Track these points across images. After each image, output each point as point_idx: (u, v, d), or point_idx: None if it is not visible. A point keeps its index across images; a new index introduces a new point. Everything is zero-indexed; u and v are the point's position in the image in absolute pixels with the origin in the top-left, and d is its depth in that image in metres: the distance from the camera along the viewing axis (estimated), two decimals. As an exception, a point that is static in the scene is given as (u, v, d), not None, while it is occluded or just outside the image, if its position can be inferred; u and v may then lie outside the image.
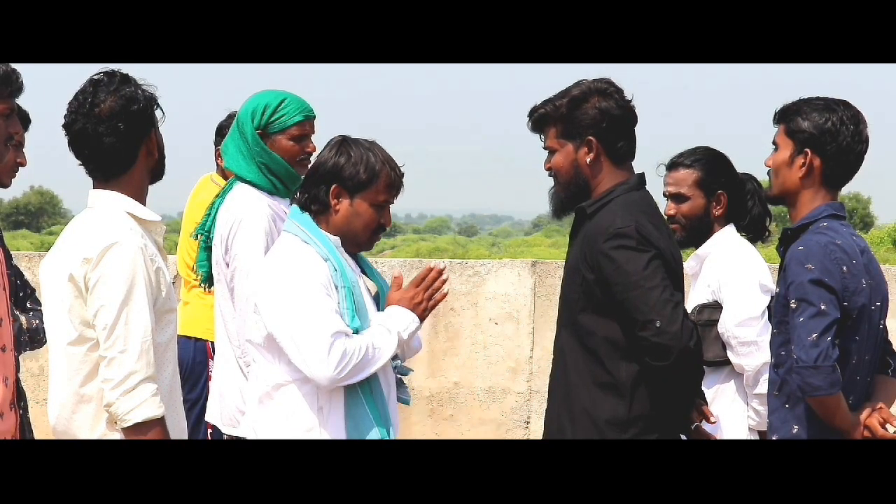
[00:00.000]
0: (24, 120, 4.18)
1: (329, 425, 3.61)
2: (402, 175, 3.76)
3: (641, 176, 3.71)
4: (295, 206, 3.78)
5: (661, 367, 3.49)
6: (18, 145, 4.11)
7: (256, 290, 3.68)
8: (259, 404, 3.69)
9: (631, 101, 3.68)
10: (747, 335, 4.21)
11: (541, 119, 3.68)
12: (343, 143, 3.72)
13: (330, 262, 3.64)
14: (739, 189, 4.46)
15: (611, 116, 3.63)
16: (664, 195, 4.49)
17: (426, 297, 3.72)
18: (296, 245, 3.67)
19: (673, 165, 4.48)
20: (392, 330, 3.65)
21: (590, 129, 3.62)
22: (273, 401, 3.65)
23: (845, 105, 3.64)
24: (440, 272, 3.73)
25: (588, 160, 3.63)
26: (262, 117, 4.30)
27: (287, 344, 3.57)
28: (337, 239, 3.71)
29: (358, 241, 3.76)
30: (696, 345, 3.51)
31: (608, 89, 3.65)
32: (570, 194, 3.67)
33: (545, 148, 3.72)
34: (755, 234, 4.53)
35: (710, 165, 4.44)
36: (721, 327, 4.26)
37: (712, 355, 4.27)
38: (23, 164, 4.19)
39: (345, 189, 3.68)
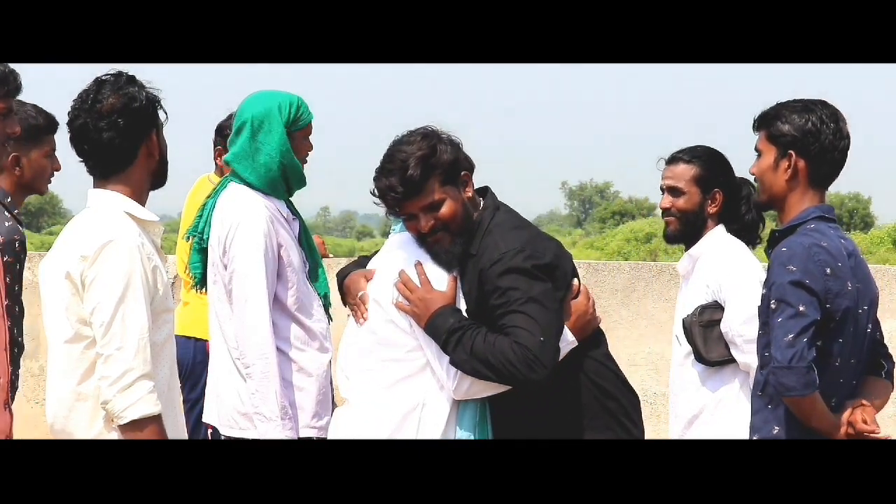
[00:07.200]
0: (52, 125, 4.31)
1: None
2: None
3: (492, 195, 3.82)
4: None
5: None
6: (51, 152, 4.28)
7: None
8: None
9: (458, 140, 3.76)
10: (753, 332, 4.19)
11: (425, 173, 3.63)
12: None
13: None
14: (735, 191, 4.48)
15: (459, 149, 3.73)
16: (661, 188, 4.50)
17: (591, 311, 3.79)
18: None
19: (673, 160, 4.50)
20: None
21: (463, 168, 3.72)
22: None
23: (823, 104, 3.65)
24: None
25: (468, 195, 3.74)
26: (289, 115, 4.22)
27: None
28: None
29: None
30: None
31: (438, 133, 3.71)
32: (465, 240, 3.70)
33: (431, 201, 3.66)
34: (747, 240, 4.54)
35: (709, 163, 4.46)
36: (725, 326, 4.25)
37: (717, 355, 4.26)
38: (57, 169, 4.38)
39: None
